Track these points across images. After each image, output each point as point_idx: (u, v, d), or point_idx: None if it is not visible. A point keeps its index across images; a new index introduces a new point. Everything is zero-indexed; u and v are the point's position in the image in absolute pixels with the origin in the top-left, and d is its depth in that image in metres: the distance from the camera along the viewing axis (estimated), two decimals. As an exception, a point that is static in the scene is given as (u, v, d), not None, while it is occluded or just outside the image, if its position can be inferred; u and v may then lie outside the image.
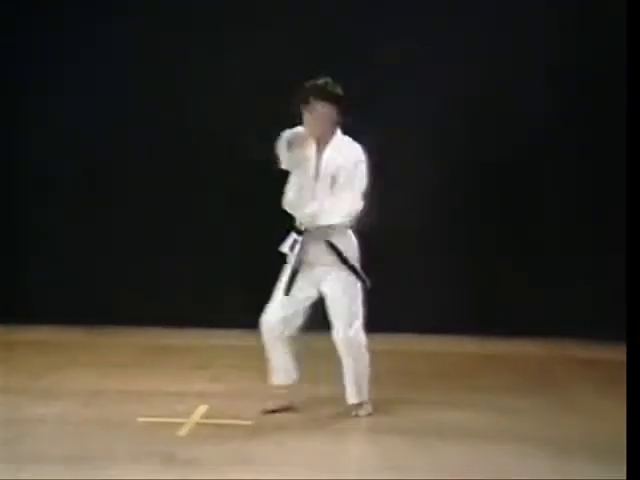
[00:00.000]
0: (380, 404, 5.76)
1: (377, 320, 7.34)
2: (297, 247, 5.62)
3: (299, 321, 5.71)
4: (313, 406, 5.83)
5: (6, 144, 8.19)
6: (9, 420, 5.51)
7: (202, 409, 5.73)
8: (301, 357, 5.73)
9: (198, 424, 5.48)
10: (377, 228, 7.56)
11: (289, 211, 5.67)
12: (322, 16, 7.88)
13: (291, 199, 5.64)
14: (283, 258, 5.68)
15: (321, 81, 5.59)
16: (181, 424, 5.44)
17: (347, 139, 5.66)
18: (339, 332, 5.59)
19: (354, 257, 5.66)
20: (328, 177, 5.56)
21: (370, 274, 7.56)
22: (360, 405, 5.70)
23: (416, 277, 7.89)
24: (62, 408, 5.75)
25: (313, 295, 5.68)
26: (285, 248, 5.69)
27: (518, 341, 7.62)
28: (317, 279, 5.64)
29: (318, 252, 5.60)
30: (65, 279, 8.11)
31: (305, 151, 5.60)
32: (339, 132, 5.65)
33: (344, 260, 5.60)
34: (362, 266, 5.64)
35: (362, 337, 5.65)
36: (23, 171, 8.19)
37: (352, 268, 5.61)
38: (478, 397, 6.15)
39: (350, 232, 5.66)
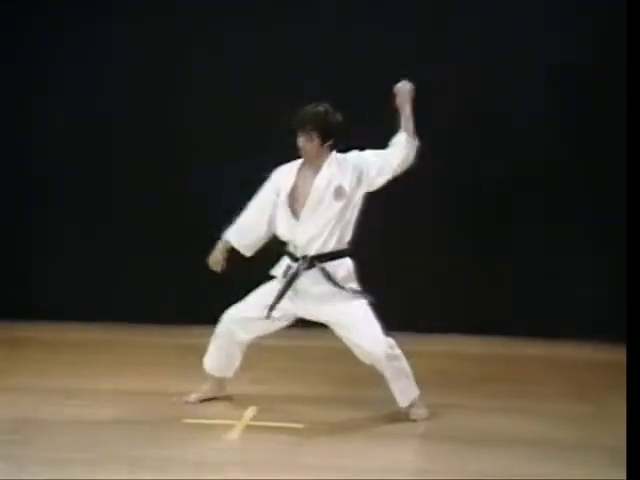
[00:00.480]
0: (437, 409, 5.73)
1: (422, 320, 7.50)
2: (290, 274, 5.61)
3: (259, 333, 5.75)
4: (367, 409, 5.79)
5: (6, 144, 8.14)
6: (44, 421, 5.45)
7: (251, 411, 5.70)
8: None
9: (248, 427, 5.45)
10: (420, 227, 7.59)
11: (281, 238, 5.70)
12: (322, 16, 7.86)
13: (282, 226, 5.65)
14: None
15: (309, 109, 5.59)
16: (230, 426, 5.40)
17: (337, 156, 5.66)
18: (372, 352, 5.53)
19: (353, 281, 5.63)
20: (322, 200, 5.57)
21: (413, 273, 7.49)
22: (412, 407, 5.66)
23: (463, 277, 7.87)
24: (102, 409, 5.69)
25: (289, 318, 5.70)
26: (277, 273, 5.69)
27: (567, 344, 7.56)
28: (308, 308, 5.62)
29: (313, 280, 5.59)
30: (98, 276, 8.07)
31: (289, 178, 5.66)
32: (333, 154, 5.64)
33: (342, 288, 5.57)
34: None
35: (391, 343, 5.58)
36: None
37: (353, 291, 5.59)
38: (526, 402, 6.07)
39: (347, 258, 5.64)
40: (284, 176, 5.68)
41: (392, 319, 7.56)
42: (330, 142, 5.60)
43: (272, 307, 5.60)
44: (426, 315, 7.75)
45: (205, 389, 5.91)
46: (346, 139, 5.64)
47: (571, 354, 7.40)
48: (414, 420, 5.61)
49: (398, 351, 5.59)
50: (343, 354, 5.70)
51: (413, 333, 7.42)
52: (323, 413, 5.73)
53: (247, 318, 5.69)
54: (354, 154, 5.68)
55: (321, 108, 5.59)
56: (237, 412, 5.65)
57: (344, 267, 5.60)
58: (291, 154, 5.72)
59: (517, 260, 7.90)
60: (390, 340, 5.57)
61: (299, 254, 5.61)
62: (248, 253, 5.77)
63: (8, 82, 8.06)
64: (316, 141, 5.57)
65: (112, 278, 8.08)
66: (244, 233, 5.73)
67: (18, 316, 7.86)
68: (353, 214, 5.63)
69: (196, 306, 7.67)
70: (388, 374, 5.59)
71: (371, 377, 5.69)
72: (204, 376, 5.89)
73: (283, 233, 5.67)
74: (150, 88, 7.95)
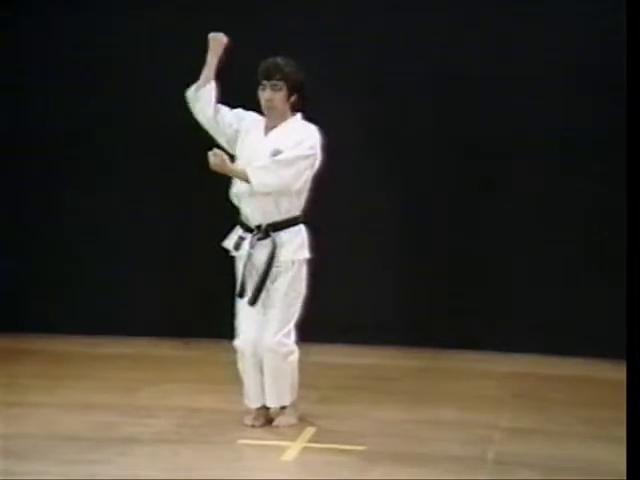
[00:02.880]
0: (511, 434, 5.42)
1: (510, 340, 7.15)
2: (245, 246, 5.29)
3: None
4: (438, 431, 5.48)
5: (7, 145, 7.93)
6: (102, 439, 5.26)
7: (309, 432, 5.41)
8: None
9: (305, 448, 5.17)
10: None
11: (235, 204, 5.37)
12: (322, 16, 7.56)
13: (235, 190, 5.33)
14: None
15: (276, 59, 5.30)
16: (286, 448, 5.13)
17: (301, 122, 5.33)
18: (265, 338, 5.26)
19: (300, 254, 5.31)
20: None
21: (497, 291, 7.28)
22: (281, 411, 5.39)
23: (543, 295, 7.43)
24: (157, 427, 5.49)
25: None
26: (229, 245, 5.37)
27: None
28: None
29: (265, 252, 5.26)
30: (159, 291, 7.83)
31: (251, 136, 5.33)
32: (296, 116, 5.33)
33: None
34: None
35: (290, 343, 5.31)
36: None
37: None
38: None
39: (300, 226, 5.33)
40: (253, 122, 5.37)
41: (473, 336, 7.29)
42: (294, 98, 5.27)
43: (258, 291, 5.26)
44: (566, 335, 7.31)
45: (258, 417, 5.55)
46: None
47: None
48: (276, 426, 5.37)
49: (291, 357, 5.31)
50: (416, 373, 5.51)
51: (490, 351, 7.05)
52: (387, 436, 5.42)
53: (255, 326, 5.34)
54: (303, 131, 5.31)
55: (291, 60, 5.30)
56: (296, 433, 5.37)
57: (292, 238, 5.30)
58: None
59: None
60: (287, 343, 5.30)
61: (252, 224, 5.32)
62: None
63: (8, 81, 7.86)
64: (284, 92, 5.25)
65: (207, 291, 7.64)
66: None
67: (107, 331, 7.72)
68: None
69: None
70: (265, 370, 5.30)
71: (444, 398, 5.48)
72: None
73: (236, 192, 5.34)
74: (149, 87, 7.71)
